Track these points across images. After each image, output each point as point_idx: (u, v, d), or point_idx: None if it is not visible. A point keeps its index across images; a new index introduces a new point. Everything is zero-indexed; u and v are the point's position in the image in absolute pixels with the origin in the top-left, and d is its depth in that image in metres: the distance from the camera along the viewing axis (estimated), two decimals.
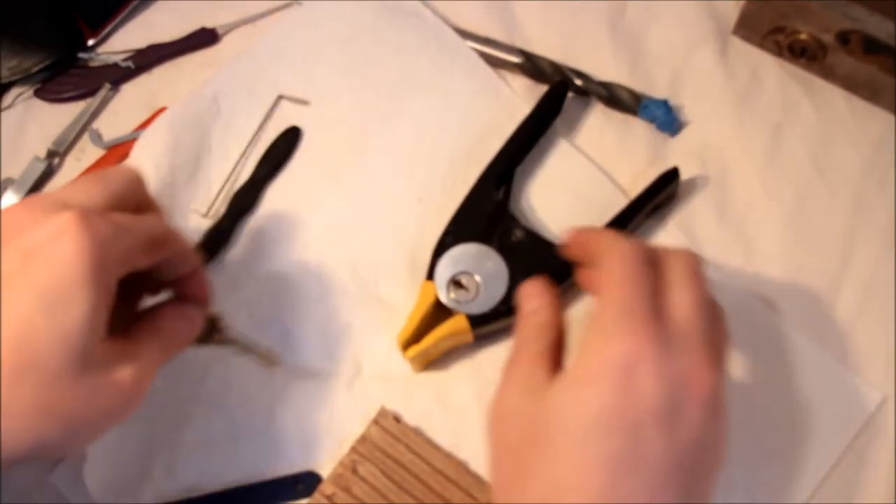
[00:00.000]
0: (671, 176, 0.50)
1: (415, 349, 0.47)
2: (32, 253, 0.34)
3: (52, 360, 0.33)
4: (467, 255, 0.48)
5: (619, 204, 0.50)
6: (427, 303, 0.47)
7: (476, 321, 0.47)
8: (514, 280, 0.47)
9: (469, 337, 0.48)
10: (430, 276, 0.48)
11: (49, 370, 0.33)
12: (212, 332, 0.45)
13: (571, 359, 0.37)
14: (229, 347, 0.46)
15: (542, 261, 0.48)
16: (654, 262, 0.38)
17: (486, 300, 0.47)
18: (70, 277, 0.33)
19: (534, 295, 0.42)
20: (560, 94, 0.54)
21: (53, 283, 0.33)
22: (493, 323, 0.47)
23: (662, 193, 0.50)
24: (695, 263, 0.39)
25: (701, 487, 0.36)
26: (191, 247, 0.42)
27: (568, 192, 0.53)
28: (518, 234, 0.49)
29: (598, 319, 0.37)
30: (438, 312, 0.47)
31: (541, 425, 0.35)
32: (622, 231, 0.48)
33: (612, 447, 0.34)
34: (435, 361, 0.49)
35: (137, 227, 0.37)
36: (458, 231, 0.49)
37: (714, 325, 0.38)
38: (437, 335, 0.47)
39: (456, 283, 0.47)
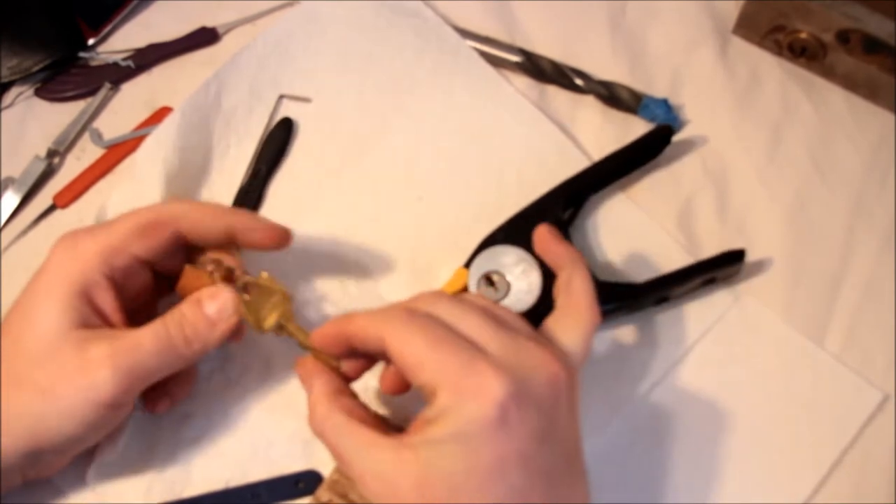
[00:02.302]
0: (737, 256, 0.48)
1: None
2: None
3: (23, 339, 0.41)
4: (509, 257, 0.48)
5: (674, 259, 0.50)
6: (455, 288, 0.47)
7: None
8: (545, 295, 0.46)
9: None
10: (468, 264, 0.48)
11: (21, 347, 0.40)
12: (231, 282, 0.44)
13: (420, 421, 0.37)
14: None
15: None
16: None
17: (511, 306, 0.46)
18: (37, 284, 0.42)
19: (304, 378, 0.42)
20: (663, 138, 0.52)
21: (30, 289, 0.42)
22: None
23: (725, 269, 0.49)
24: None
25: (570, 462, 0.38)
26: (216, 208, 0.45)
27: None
28: None
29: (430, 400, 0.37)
30: None
31: (436, 488, 0.35)
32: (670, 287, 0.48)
33: (513, 482, 0.35)
34: None
35: (120, 222, 0.43)
36: (510, 232, 0.48)
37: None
38: None
39: (488, 279, 0.47)
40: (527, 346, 0.37)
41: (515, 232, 0.48)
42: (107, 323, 0.42)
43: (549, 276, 0.47)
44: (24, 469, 0.42)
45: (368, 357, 0.42)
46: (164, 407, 0.46)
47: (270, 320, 0.44)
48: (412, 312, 0.38)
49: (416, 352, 0.37)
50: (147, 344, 0.41)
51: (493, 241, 0.48)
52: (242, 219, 0.45)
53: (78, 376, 0.40)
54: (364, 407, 0.40)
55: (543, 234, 0.46)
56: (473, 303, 0.39)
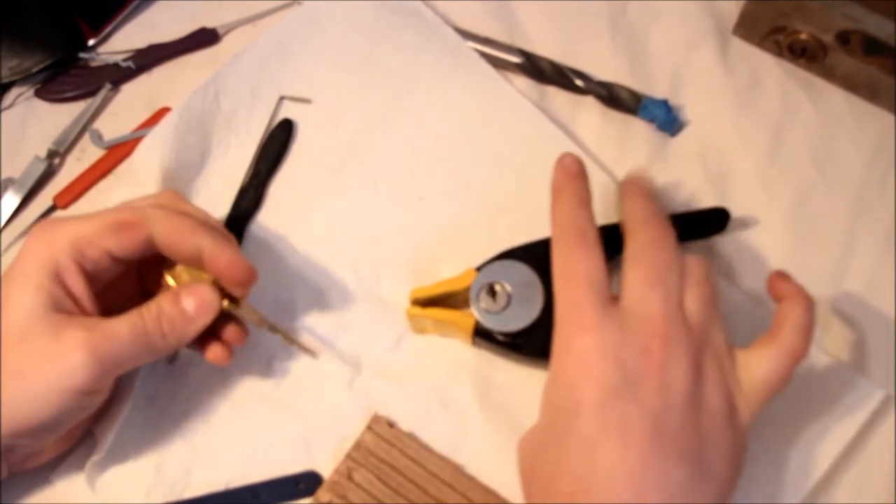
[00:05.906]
0: (721, 216, 0.48)
1: (416, 311, 0.48)
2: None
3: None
4: (520, 278, 0.47)
5: None
6: (460, 285, 0.47)
7: (482, 332, 0.46)
8: (540, 327, 0.45)
9: (468, 340, 0.48)
10: (481, 268, 0.47)
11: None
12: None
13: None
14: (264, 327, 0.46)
15: None
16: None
17: (503, 323, 0.46)
18: (13, 268, 0.42)
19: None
20: (719, 220, 0.51)
21: (7, 273, 0.42)
22: (494, 346, 0.47)
23: (707, 228, 0.49)
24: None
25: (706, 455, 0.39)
26: (193, 225, 0.44)
27: None
28: None
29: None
30: (462, 298, 0.47)
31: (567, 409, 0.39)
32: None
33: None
34: (433, 355, 0.49)
35: (98, 216, 0.43)
36: (531, 253, 0.47)
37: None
38: (441, 315, 0.47)
39: (491, 288, 0.47)
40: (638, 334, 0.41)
41: (536, 256, 0.47)
42: (79, 307, 0.42)
43: (551, 307, 0.44)
44: (6, 456, 0.42)
45: None
46: (224, 358, 0.45)
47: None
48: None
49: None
50: (123, 333, 0.41)
51: (513, 255, 0.48)
52: (212, 244, 0.43)
53: (52, 360, 0.40)
54: None
55: (774, 276, 0.45)
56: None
